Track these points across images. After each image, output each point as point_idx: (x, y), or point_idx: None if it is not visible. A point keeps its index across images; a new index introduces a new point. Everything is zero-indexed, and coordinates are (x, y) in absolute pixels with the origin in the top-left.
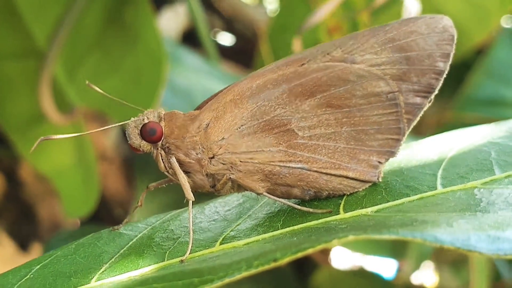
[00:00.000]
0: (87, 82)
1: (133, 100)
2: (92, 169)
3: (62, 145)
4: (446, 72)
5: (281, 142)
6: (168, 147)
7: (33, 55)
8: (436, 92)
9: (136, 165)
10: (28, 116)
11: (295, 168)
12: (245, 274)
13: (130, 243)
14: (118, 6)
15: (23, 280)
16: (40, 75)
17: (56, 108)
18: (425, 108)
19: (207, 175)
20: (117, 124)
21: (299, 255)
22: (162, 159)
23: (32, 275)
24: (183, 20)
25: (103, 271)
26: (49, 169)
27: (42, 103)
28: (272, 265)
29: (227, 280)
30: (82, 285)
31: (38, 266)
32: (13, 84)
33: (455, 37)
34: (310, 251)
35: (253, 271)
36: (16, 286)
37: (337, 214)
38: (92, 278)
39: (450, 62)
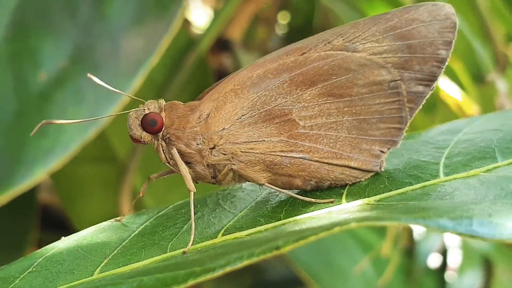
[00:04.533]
0: (88, 74)
1: None
2: None
3: None
4: (448, 59)
5: (282, 132)
6: (169, 137)
7: (110, 160)
8: (439, 80)
9: None
10: (102, 217)
11: (296, 158)
12: (246, 262)
13: (132, 235)
14: None
15: (26, 273)
16: (121, 184)
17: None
18: (427, 97)
19: (208, 165)
20: (118, 113)
21: (301, 242)
22: (163, 150)
23: (34, 268)
24: None
25: (105, 264)
26: None
27: (122, 211)
28: (274, 253)
29: (228, 268)
30: (85, 277)
31: (41, 259)
32: (89, 185)
33: (457, 25)
34: (312, 238)
35: (255, 259)
36: (18, 279)
37: (339, 204)
38: (94, 271)
39: (452, 50)
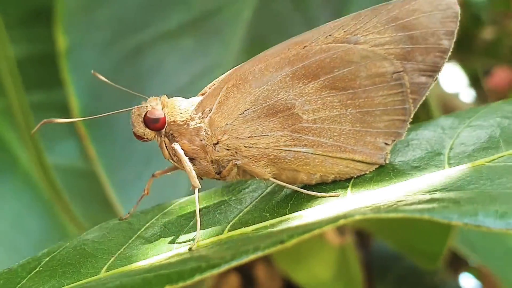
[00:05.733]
0: (92, 71)
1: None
2: (355, 282)
3: (324, 258)
4: (451, 49)
5: (285, 126)
6: (172, 134)
7: None
8: (442, 70)
9: (375, 269)
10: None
11: (300, 152)
12: (252, 257)
13: (138, 233)
14: None
15: (33, 273)
16: None
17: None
18: (431, 87)
19: (212, 161)
20: (121, 111)
21: (306, 236)
22: (166, 147)
23: (41, 268)
24: None
25: (112, 262)
26: (307, 280)
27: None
28: (279, 247)
29: (234, 263)
30: (92, 276)
31: (47, 258)
32: None
33: (459, 14)
34: (316, 231)
35: (260, 253)
36: (26, 279)
37: (345, 197)
38: (101, 269)
39: (454, 40)
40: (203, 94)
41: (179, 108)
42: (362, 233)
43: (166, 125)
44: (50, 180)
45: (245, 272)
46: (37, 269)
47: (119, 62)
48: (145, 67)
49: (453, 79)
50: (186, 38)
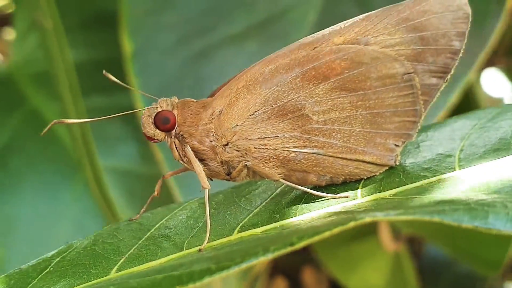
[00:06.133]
0: (104, 71)
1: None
2: None
3: (377, 264)
4: (462, 51)
5: (295, 128)
6: (182, 135)
7: None
8: (452, 72)
9: (426, 276)
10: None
11: (310, 153)
12: (262, 259)
13: (148, 233)
14: None
15: (44, 273)
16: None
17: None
18: (441, 89)
19: (222, 162)
20: (131, 112)
21: (316, 238)
22: (176, 148)
23: (52, 268)
24: None
25: (122, 262)
26: (359, 286)
27: (380, 232)
28: (289, 249)
29: (244, 265)
30: (102, 276)
31: (58, 259)
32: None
33: (470, 15)
34: (327, 234)
35: (270, 256)
36: (36, 279)
37: (354, 199)
38: (111, 269)
39: (465, 41)
40: (213, 95)
41: (189, 109)
42: (413, 239)
43: (176, 126)
44: (99, 183)
45: (293, 276)
46: (48, 270)
47: (184, 65)
48: (209, 70)
49: (497, 84)
50: (250, 42)
